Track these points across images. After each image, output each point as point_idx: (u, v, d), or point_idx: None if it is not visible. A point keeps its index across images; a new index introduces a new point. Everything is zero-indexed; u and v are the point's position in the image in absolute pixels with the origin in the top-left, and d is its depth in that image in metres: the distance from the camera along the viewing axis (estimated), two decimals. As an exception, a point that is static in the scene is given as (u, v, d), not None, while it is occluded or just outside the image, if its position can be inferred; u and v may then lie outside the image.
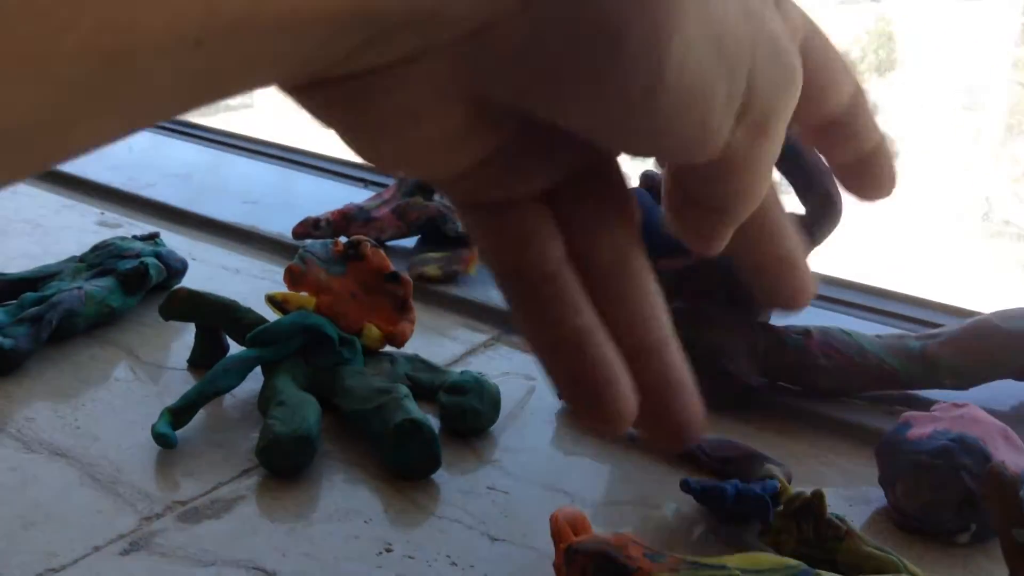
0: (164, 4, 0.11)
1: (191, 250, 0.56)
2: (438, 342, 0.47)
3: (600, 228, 0.18)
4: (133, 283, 0.48)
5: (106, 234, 0.54)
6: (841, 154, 0.22)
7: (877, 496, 0.36)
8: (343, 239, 0.43)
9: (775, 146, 0.18)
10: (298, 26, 0.12)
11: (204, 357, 0.44)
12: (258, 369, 0.41)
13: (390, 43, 0.13)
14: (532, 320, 0.18)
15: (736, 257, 0.20)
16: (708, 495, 0.32)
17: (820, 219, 0.43)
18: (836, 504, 0.35)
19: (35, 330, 0.43)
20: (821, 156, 0.27)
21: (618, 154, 0.19)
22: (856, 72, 0.22)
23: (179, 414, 0.38)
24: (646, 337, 0.18)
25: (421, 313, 0.46)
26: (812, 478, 0.37)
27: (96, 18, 0.11)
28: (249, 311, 0.43)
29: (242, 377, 0.40)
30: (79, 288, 0.46)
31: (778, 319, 0.43)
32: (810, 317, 0.50)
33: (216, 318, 0.43)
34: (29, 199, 0.65)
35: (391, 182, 0.61)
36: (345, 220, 0.56)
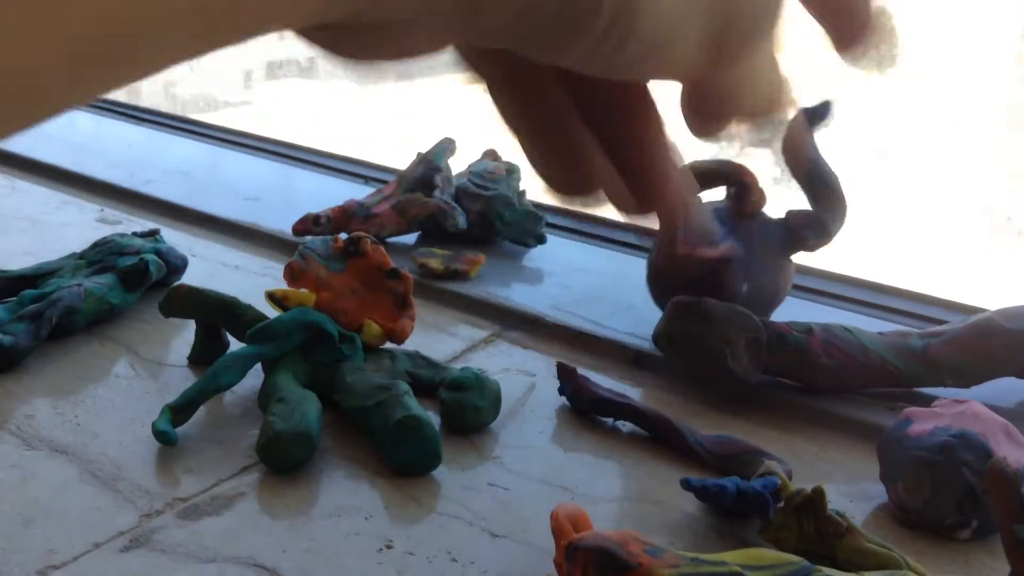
0: None
1: (191, 247, 0.56)
2: (438, 338, 0.47)
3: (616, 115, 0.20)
4: (133, 280, 0.48)
5: (106, 231, 0.54)
6: (835, 22, 0.22)
7: (878, 492, 0.36)
8: (343, 235, 0.43)
9: (760, 58, 0.19)
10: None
11: (204, 354, 0.44)
12: (258, 366, 0.41)
13: (394, 6, 0.14)
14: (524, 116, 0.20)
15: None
16: (709, 493, 0.32)
17: (834, 215, 0.44)
18: (837, 500, 0.35)
19: (35, 327, 0.43)
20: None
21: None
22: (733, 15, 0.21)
23: (179, 411, 0.38)
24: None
25: (421, 309, 0.46)
26: (813, 474, 0.37)
27: None
28: (249, 308, 0.43)
29: (242, 374, 0.40)
30: (79, 285, 0.46)
31: (779, 317, 0.43)
32: (813, 313, 0.50)
33: (216, 315, 0.43)
34: (29, 196, 0.65)
35: (391, 179, 0.61)
36: (345, 216, 0.56)
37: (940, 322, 0.47)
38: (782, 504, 0.32)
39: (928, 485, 0.33)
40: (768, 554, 0.27)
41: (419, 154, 0.59)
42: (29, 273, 0.49)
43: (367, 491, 0.35)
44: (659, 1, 0.16)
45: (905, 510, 0.34)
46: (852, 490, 0.36)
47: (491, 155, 0.61)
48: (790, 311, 0.49)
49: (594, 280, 0.54)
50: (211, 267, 0.55)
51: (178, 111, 0.96)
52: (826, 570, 0.26)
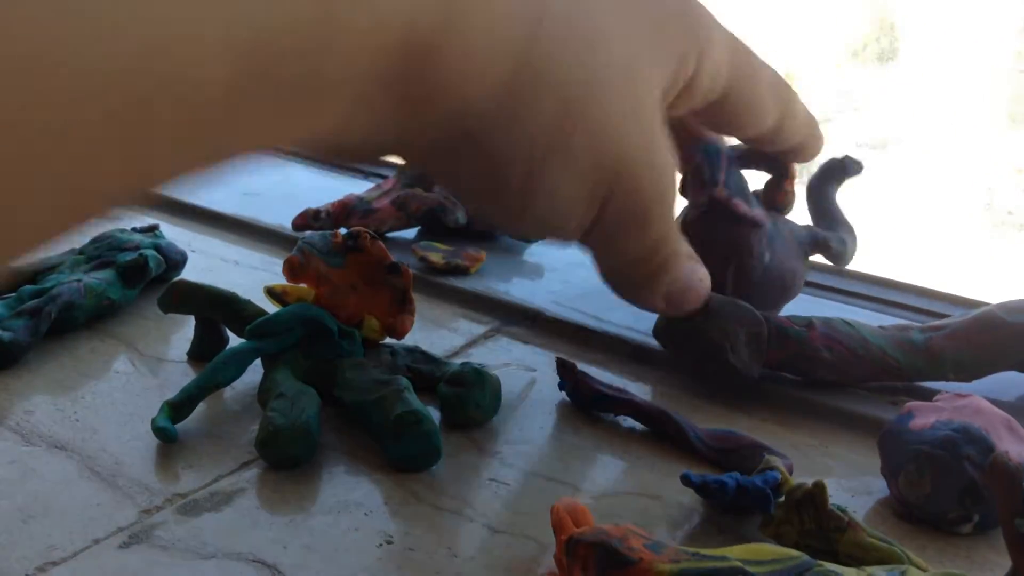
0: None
1: (191, 242, 0.56)
2: (438, 334, 0.47)
3: None
4: (133, 275, 0.48)
5: (105, 226, 0.54)
6: (769, 148, 0.30)
7: (879, 487, 0.35)
8: (343, 231, 0.43)
9: (654, 226, 0.26)
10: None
11: (204, 349, 0.44)
12: (257, 361, 0.41)
13: (351, 145, 0.22)
14: None
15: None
16: (709, 488, 0.32)
17: (852, 241, 0.45)
18: (838, 495, 0.35)
19: (34, 323, 0.43)
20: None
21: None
22: (785, 88, 0.27)
23: (179, 408, 0.38)
24: None
25: (421, 304, 0.46)
26: (814, 469, 0.37)
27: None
28: (249, 303, 0.43)
29: (241, 370, 0.40)
30: (78, 280, 0.46)
31: (782, 310, 0.43)
32: (813, 307, 0.50)
33: (216, 310, 0.43)
34: (28, 192, 0.65)
35: (391, 174, 0.61)
36: (345, 211, 0.56)
37: (941, 316, 0.47)
38: (783, 499, 0.32)
39: (929, 479, 0.33)
40: (769, 549, 0.27)
41: (419, 149, 0.59)
42: (28, 269, 0.49)
43: (367, 486, 0.35)
44: (551, 191, 0.23)
45: (906, 504, 0.34)
46: (853, 484, 0.36)
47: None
48: (790, 306, 0.49)
49: (594, 275, 0.53)
50: (211, 262, 0.55)
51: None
52: (827, 565, 0.26)
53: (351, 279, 0.42)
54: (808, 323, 0.41)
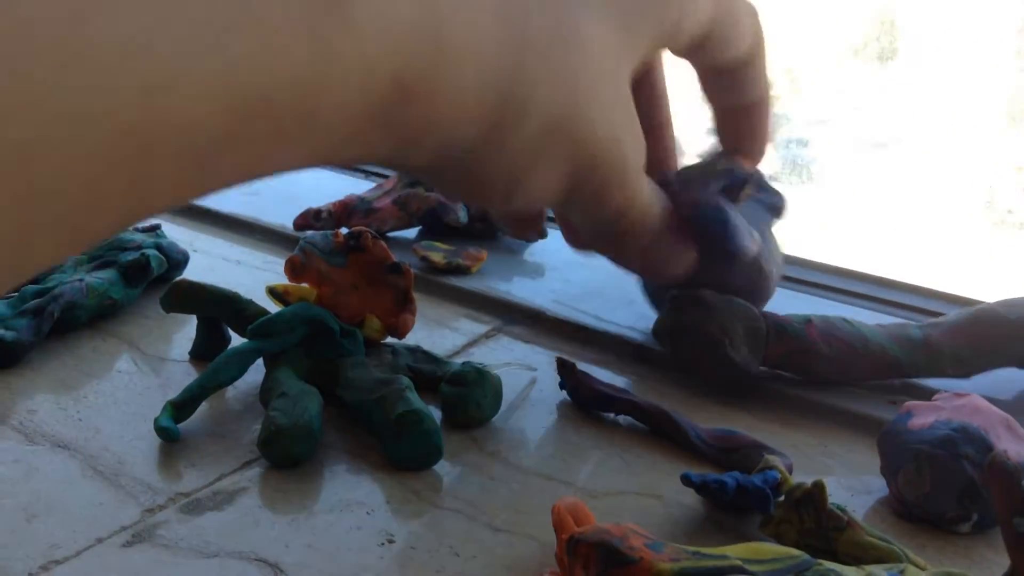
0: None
1: (192, 241, 0.56)
2: (440, 333, 0.47)
3: None
4: (135, 275, 0.48)
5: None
6: (726, 99, 0.31)
7: (879, 486, 0.36)
8: (344, 230, 0.43)
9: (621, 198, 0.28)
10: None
11: (206, 349, 0.44)
12: (259, 361, 0.41)
13: (347, 157, 0.23)
14: None
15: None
16: (709, 488, 0.32)
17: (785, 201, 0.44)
18: (837, 494, 0.35)
19: (37, 322, 0.43)
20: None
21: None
22: (761, 33, 0.28)
23: (181, 408, 0.38)
24: None
25: (423, 304, 0.46)
26: (814, 468, 0.37)
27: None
28: (251, 303, 0.43)
29: (243, 369, 0.40)
30: (80, 280, 0.46)
31: (778, 309, 0.43)
32: (812, 306, 0.50)
33: (217, 310, 0.43)
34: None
35: (392, 173, 0.61)
36: (346, 211, 0.56)
37: (940, 315, 0.47)
38: (782, 498, 0.32)
39: (928, 478, 0.33)
40: (769, 548, 0.27)
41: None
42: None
43: (369, 485, 0.35)
44: (532, 187, 0.25)
45: (905, 504, 0.34)
46: (852, 483, 0.36)
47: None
48: (789, 304, 0.50)
49: (595, 275, 0.54)
50: (212, 262, 0.55)
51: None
52: (827, 563, 0.26)
53: (352, 279, 0.42)
54: (807, 320, 0.41)
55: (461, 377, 0.39)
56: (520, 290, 0.51)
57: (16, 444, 0.37)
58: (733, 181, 0.37)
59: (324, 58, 0.18)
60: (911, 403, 0.36)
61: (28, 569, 0.30)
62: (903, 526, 0.34)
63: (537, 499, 0.34)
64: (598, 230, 0.29)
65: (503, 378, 0.40)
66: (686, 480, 0.33)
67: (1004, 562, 0.26)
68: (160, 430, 0.37)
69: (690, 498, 0.34)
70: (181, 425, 0.38)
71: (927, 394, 0.38)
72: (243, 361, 0.40)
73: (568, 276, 0.54)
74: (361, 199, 0.57)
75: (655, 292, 0.46)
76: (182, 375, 0.42)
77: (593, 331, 0.47)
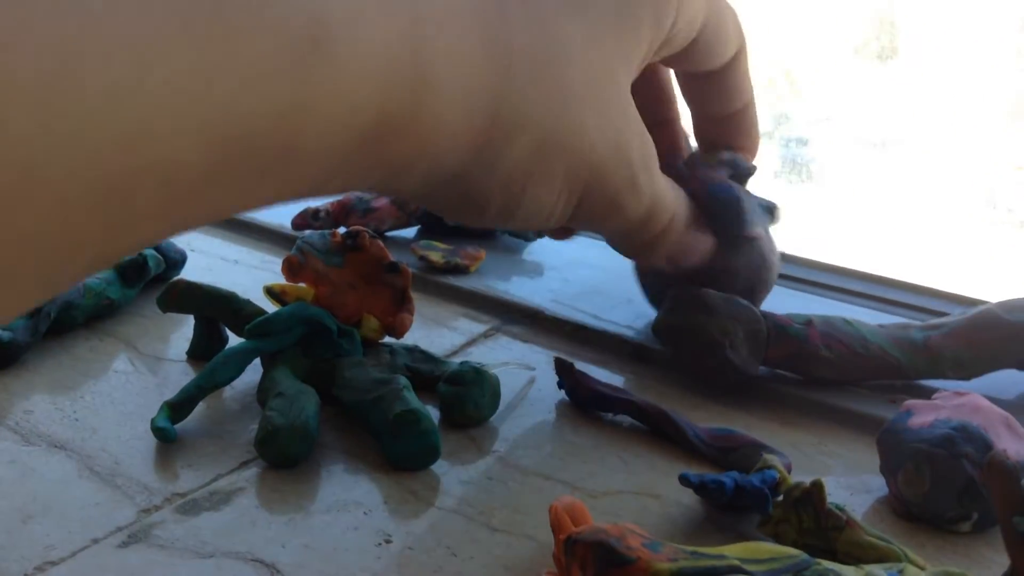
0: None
1: (190, 241, 0.56)
2: (438, 332, 0.47)
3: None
4: (132, 275, 0.48)
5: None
6: (715, 105, 0.32)
7: (878, 485, 0.35)
8: (342, 230, 0.43)
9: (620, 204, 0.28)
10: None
11: (203, 349, 0.44)
12: (257, 361, 0.41)
13: (334, 189, 0.23)
14: None
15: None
16: (707, 488, 0.32)
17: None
18: (837, 493, 0.35)
19: (33, 323, 0.43)
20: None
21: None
22: (744, 37, 0.28)
23: (178, 408, 0.38)
24: None
25: (421, 303, 0.46)
26: (813, 467, 0.37)
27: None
28: (248, 302, 0.43)
29: (241, 369, 0.40)
30: (77, 280, 0.46)
31: (778, 309, 0.43)
32: (813, 306, 0.50)
33: (215, 310, 0.43)
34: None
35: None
36: (344, 210, 0.56)
37: (941, 314, 0.47)
38: (781, 498, 0.32)
39: (928, 478, 0.33)
40: (767, 547, 0.27)
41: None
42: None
43: (366, 486, 0.35)
44: (529, 207, 0.25)
45: (905, 503, 0.34)
46: (852, 483, 0.36)
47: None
48: (789, 303, 0.49)
49: (594, 274, 0.54)
50: (210, 261, 0.55)
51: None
52: (825, 563, 0.26)
53: (350, 278, 0.42)
54: (807, 321, 0.41)
55: (459, 377, 0.39)
56: (519, 289, 0.51)
57: (12, 444, 0.37)
58: (739, 170, 0.37)
59: (306, 97, 0.18)
60: (911, 402, 0.36)
61: (23, 570, 0.30)
62: (902, 525, 0.34)
63: (535, 499, 0.34)
64: (626, 239, 0.29)
65: (501, 378, 0.40)
66: (684, 480, 0.33)
67: (1004, 561, 0.26)
68: (157, 431, 0.37)
69: (688, 498, 0.34)
70: (178, 425, 0.37)
71: (927, 393, 0.38)
72: (240, 361, 0.40)
73: (567, 275, 0.54)
74: (359, 198, 0.57)
75: (654, 290, 0.46)
76: (179, 375, 0.42)
77: (592, 330, 0.47)
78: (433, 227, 0.57)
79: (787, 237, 0.47)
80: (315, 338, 0.40)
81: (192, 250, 0.54)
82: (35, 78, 0.13)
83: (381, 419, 0.36)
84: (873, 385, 0.41)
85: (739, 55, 0.30)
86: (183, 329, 0.46)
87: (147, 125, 0.15)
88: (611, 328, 0.47)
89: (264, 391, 0.39)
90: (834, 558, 0.29)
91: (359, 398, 0.38)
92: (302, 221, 0.56)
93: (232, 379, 0.39)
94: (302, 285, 0.42)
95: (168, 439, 0.37)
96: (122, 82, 0.14)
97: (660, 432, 0.38)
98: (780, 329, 0.41)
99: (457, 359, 0.43)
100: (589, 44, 0.24)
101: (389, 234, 0.57)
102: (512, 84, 0.22)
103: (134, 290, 0.48)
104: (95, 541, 0.32)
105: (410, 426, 0.36)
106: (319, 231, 0.43)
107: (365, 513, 0.33)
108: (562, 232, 0.34)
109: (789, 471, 0.34)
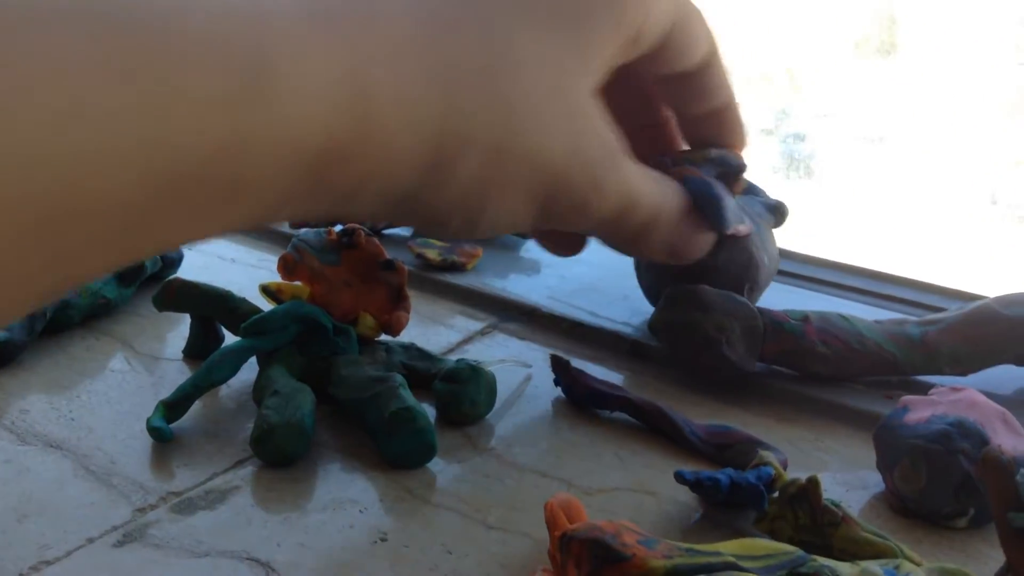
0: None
1: (187, 240, 0.56)
2: (434, 330, 0.47)
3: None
4: (128, 274, 0.48)
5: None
6: (694, 107, 0.31)
7: (875, 481, 0.35)
8: (337, 227, 0.43)
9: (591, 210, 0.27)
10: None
11: (199, 347, 0.44)
12: (253, 359, 0.41)
13: (289, 213, 0.22)
14: None
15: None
16: (702, 485, 0.32)
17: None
18: (833, 489, 0.35)
19: (30, 322, 0.43)
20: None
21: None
22: (715, 37, 0.28)
23: (174, 407, 0.38)
24: None
25: (417, 301, 0.46)
26: (810, 463, 0.37)
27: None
28: (244, 301, 0.43)
29: (236, 368, 0.40)
30: (74, 279, 0.46)
31: (775, 305, 0.43)
32: (810, 302, 0.50)
33: (211, 308, 0.43)
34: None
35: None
36: (341, 209, 0.56)
37: (939, 310, 0.47)
38: (777, 494, 0.32)
39: (924, 473, 0.33)
40: (763, 544, 0.27)
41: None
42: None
43: (362, 484, 0.35)
44: (493, 217, 0.25)
45: (901, 499, 0.34)
46: (848, 479, 0.36)
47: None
48: (786, 299, 0.49)
49: (590, 271, 0.53)
50: (207, 260, 0.55)
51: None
52: (821, 559, 0.26)
53: (346, 276, 0.42)
54: (804, 317, 0.41)
55: (455, 374, 0.39)
56: (515, 286, 0.51)
57: (8, 444, 0.37)
58: (728, 167, 0.37)
59: (247, 131, 0.18)
60: (907, 398, 0.36)
61: (19, 570, 0.30)
62: (899, 521, 0.34)
63: (531, 496, 0.34)
64: (610, 236, 0.29)
65: (498, 375, 0.40)
66: (680, 478, 0.32)
67: (1000, 557, 0.26)
68: (152, 430, 0.36)
69: (684, 495, 0.34)
70: (174, 423, 0.37)
71: (923, 388, 0.38)
72: (236, 360, 0.40)
73: (563, 272, 0.53)
74: (356, 196, 0.57)
75: (652, 286, 0.46)
76: (175, 374, 0.42)
77: (588, 327, 0.47)
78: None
79: (785, 233, 0.47)
80: (311, 336, 0.40)
81: (189, 249, 0.54)
82: None
83: (377, 417, 0.36)
84: (869, 381, 0.41)
85: (712, 54, 0.30)
86: (179, 328, 0.46)
87: (83, 158, 0.15)
88: (607, 325, 0.47)
89: (260, 389, 0.39)
90: (830, 554, 0.29)
91: (355, 396, 0.38)
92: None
93: (228, 378, 0.39)
94: (298, 283, 0.42)
95: (163, 439, 0.37)
96: (58, 115, 0.14)
97: (656, 429, 0.38)
98: (776, 325, 0.41)
99: (453, 356, 0.43)
100: (536, 54, 0.24)
101: (385, 232, 0.57)
102: (456, 99, 0.22)
103: (130, 289, 0.48)
104: (91, 540, 0.32)
105: (406, 424, 0.36)
106: (315, 229, 0.43)
107: (361, 511, 0.33)
108: (567, 249, 0.34)
109: (785, 467, 0.34)
